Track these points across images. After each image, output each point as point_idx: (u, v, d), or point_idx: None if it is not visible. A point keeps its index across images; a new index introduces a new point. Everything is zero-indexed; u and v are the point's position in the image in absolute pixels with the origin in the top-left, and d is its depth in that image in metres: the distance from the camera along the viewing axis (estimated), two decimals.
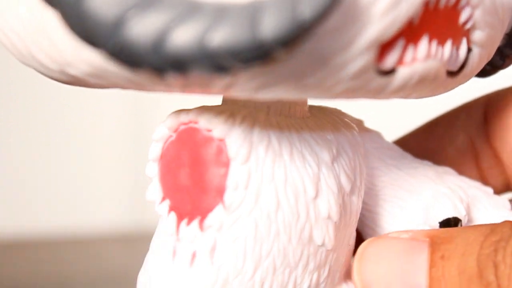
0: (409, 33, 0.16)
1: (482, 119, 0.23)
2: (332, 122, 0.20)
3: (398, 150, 0.22)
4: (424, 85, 0.17)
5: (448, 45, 0.17)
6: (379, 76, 0.16)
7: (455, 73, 0.18)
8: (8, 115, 0.59)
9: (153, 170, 0.19)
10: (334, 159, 0.20)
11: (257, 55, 0.14)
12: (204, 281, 0.19)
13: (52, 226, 0.58)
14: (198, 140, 0.18)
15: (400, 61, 0.17)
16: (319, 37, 0.15)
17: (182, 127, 0.19)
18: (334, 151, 0.20)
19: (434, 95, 0.18)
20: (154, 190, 0.19)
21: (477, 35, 0.18)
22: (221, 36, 0.14)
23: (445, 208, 0.21)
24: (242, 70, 0.14)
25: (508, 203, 0.23)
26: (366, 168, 0.21)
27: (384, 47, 0.16)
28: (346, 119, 0.21)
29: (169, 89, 0.16)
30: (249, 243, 0.19)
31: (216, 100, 0.19)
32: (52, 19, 0.16)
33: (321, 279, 0.20)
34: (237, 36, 0.13)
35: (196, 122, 0.19)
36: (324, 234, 0.19)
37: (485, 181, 0.23)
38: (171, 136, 0.19)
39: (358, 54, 0.16)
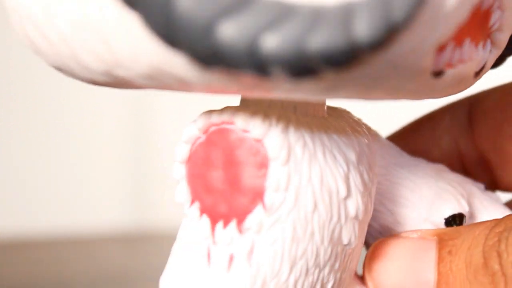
0: (457, 35, 0.17)
1: (466, 120, 0.23)
2: (347, 121, 0.20)
3: (396, 148, 0.22)
4: (460, 86, 0.18)
5: (480, 46, 0.18)
6: (432, 78, 0.17)
7: (478, 73, 0.18)
8: (7, 115, 0.59)
9: (180, 172, 0.19)
10: (358, 158, 0.20)
11: (350, 58, 0.14)
12: (242, 285, 0.18)
13: (52, 226, 0.58)
14: (233, 141, 0.18)
15: (449, 63, 0.17)
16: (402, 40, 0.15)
17: (213, 128, 0.18)
18: (358, 149, 0.20)
19: (455, 94, 0.19)
20: (182, 192, 0.19)
21: (498, 37, 0.18)
22: (317, 40, 0.13)
23: (450, 204, 0.21)
24: (331, 73, 0.14)
25: (500, 198, 0.23)
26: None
27: (439, 49, 0.16)
28: (354, 119, 0.21)
29: (240, 91, 0.16)
30: (286, 245, 0.18)
31: (229, 100, 0.19)
32: (117, 20, 0.15)
33: (343, 278, 0.20)
34: (333, 39, 0.13)
35: (230, 123, 0.18)
36: (351, 233, 0.19)
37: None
38: (199, 137, 0.19)
39: (423, 56, 0.16)
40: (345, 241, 0.19)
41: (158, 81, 0.16)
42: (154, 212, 0.60)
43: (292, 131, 0.18)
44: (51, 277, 0.49)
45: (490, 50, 0.18)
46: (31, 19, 0.17)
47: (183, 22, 0.14)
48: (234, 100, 0.19)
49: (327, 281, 0.19)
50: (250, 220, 0.18)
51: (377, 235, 0.22)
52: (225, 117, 0.18)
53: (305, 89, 0.16)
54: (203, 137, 0.19)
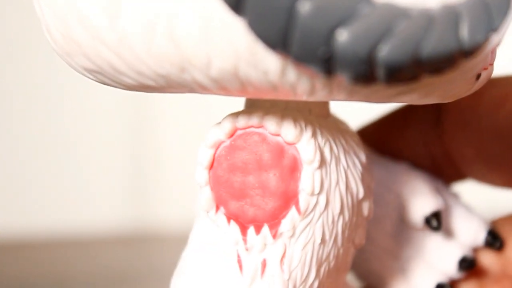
0: None
1: (436, 115, 0.23)
2: (343, 122, 0.20)
3: (366, 147, 0.22)
4: (479, 87, 0.18)
5: (495, 49, 0.18)
6: (475, 80, 0.17)
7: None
8: (7, 114, 0.59)
9: (204, 177, 0.18)
10: (367, 160, 0.20)
11: (452, 62, 0.14)
12: None
13: (52, 226, 0.58)
14: (263, 145, 0.18)
15: (485, 66, 0.17)
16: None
17: (239, 132, 0.18)
18: (364, 150, 0.20)
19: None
20: (207, 198, 0.18)
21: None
22: (431, 44, 0.13)
23: (427, 202, 0.22)
24: (429, 77, 0.14)
25: (458, 194, 0.23)
26: None
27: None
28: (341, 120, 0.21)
29: (325, 96, 0.16)
30: (316, 248, 0.18)
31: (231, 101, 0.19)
32: (201, 24, 0.15)
33: (345, 277, 0.20)
34: (444, 43, 0.13)
35: (259, 127, 0.18)
36: (362, 234, 0.20)
37: (439, 173, 0.24)
38: (223, 141, 0.18)
39: (484, 61, 0.16)
40: (357, 242, 0.19)
41: (219, 84, 0.16)
42: (155, 212, 0.60)
43: (319, 134, 0.18)
44: (51, 277, 0.49)
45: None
46: (83, 21, 0.16)
47: (302, 28, 0.14)
48: (236, 100, 0.19)
49: (339, 280, 0.20)
50: (285, 225, 0.18)
51: None
52: (253, 121, 0.18)
53: (378, 94, 0.16)
54: (227, 142, 0.18)
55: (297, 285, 0.18)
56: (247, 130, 0.18)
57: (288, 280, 0.18)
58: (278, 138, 0.18)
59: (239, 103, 0.20)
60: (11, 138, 0.59)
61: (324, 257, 0.19)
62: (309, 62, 0.14)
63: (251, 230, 0.18)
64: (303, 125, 0.18)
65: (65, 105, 0.59)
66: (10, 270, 0.50)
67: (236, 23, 0.15)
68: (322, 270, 0.19)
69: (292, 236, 0.18)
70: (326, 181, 0.18)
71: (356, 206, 0.19)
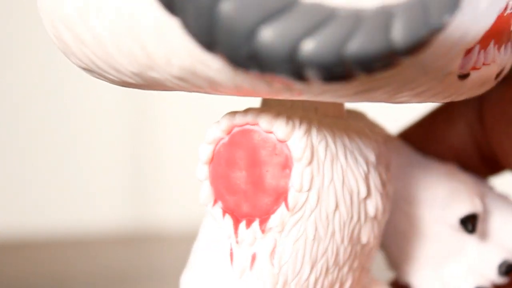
0: (482, 38, 0.17)
1: (479, 109, 0.23)
2: (364, 123, 0.21)
3: (408, 148, 0.23)
4: (482, 87, 0.18)
5: (502, 49, 0.18)
6: (458, 80, 0.17)
7: (498, 75, 0.19)
8: (7, 114, 0.59)
9: (204, 172, 0.19)
10: (377, 159, 0.20)
11: (386, 62, 0.14)
12: (265, 284, 0.19)
13: (52, 226, 0.58)
14: (257, 142, 0.18)
15: (474, 66, 0.17)
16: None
17: (237, 129, 0.19)
18: (377, 151, 0.20)
19: (478, 94, 0.19)
20: (206, 193, 0.19)
21: None
22: (356, 44, 0.14)
23: (464, 204, 0.22)
24: (365, 77, 0.14)
25: (509, 197, 0.23)
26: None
27: (467, 52, 0.17)
28: (370, 121, 0.21)
29: (269, 93, 0.16)
30: (308, 244, 0.19)
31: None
32: (154, 23, 0.16)
33: (360, 277, 0.20)
34: (373, 43, 0.14)
35: (254, 124, 0.19)
36: (369, 233, 0.20)
37: (487, 168, 0.24)
38: (222, 138, 0.19)
39: (453, 59, 0.16)
40: (364, 240, 0.20)
41: (189, 83, 0.17)
42: (155, 212, 0.60)
43: (314, 132, 0.19)
44: (51, 277, 0.49)
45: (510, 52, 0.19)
46: (65, 21, 0.17)
47: (225, 27, 0.14)
48: (240, 100, 0.19)
49: (346, 280, 0.20)
50: (273, 220, 0.18)
51: (391, 236, 0.22)
52: (248, 118, 0.19)
53: (336, 93, 0.16)
54: (226, 138, 0.19)
55: (289, 280, 0.19)
56: (244, 127, 0.19)
57: (278, 274, 0.19)
58: (271, 135, 0.18)
59: (239, 103, 0.20)
60: (11, 138, 0.59)
61: (320, 253, 0.19)
62: (238, 62, 0.14)
63: (242, 224, 0.19)
64: (297, 123, 0.18)
65: (65, 105, 0.59)
66: (10, 270, 0.50)
67: (170, 23, 0.15)
68: (318, 266, 0.19)
69: (281, 231, 0.18)
70: (318, 178, 0.18)
71: (357, 204, 0.19)
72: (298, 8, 0.14)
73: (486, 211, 0.22)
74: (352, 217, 0.19)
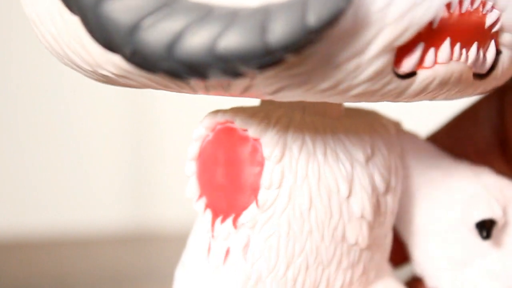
0: (429, 37, 0.17)
1: (501, 108, 0.23)
2: (367, 123, 0.21)
3: (434, 149, 0.22)
4: (448, 87, 0.18)
5: (474, 48, 0.17)
6: (398, 79, 0.17)
7: (484, 76, 0.18)
8: (7, 114, 0.59)
9: (191, 168, 0.20)
10: (368, 159, 0.20)
11: (267, 60, 0.14)
12: (237, 278, 0.19)
13: (52, 226, 0.58)
14: (234, 139, 0.19)
15: (420, 64, 0.17)
16: (330, 42, 0.15)
17: (219, 126, 0.19)
18: (369, 151, 0.20)
19: (464, 96, 0.19)
20: (192, 188, 0.20)
21: (506, 38, 0.18)
22: (230, 41, 0.14)
23: (481, 208, 0.21)
24: (255, 74, 0.14)
25: None
26: (403, 169, 0.21)
27: (402, 51, 0.16)
28: (382, 121, 0.21)
29: (193, 91, 0.17)
30: (282, 241, 0.19)
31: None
32: (77, 23, 0.16)
33: (355, 277, 0.20)
34: (246, 41, 0.14)
35: (232, 122, 0.19)
36: (357, 233, 0.20)
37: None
38: (208, 135, 0.19)
39: (373, 59, 0.16)
40: (351, 240, 0.19)
41: (134, 80, 0.17)
42: (155, 212, 0.60)
43: (291, 131, 0.19)
44: (51, 277, 0.49)
45: (499, 52, 0.18)
46: (35, 24, 0.18)
47: (112, 24, 0.14)
48: (238, 100, 0.19)
49: (335, 279, 0.20)
50: (245, 216, 0.19)
51: (412, 235, 0.22)
52: (228, 116, 0.19)
53: (220, 88, 0.16)
54: (210, 135, 0.19)
55: (263, 276, 0.19)
56: (225, 125, 0.19)
57: (251, 269, 0.19)
58: (247, 133, 0.19)
59: (239, 103, 0.20)
60: (11, 138, 0.59)
61: (297, 251, 0.19)
62: (131, 61, 0.15)
63: (218, 219, 0.19)
64: (272, 121, 0.19)
65: (65, 105, 0.59)
66: (10, 270, 0.50)
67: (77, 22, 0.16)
68: (296, 263, 0.19)
69: (253, 227, 0.19)
70: (290, 176, 0.19)
71: (337, 203, 0.19)
72: (177, 6, 0.14)
73: (508, 219, 0.22)
74: (331, 216, 0.19)
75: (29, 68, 0.58)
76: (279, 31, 0.14)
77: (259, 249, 0.19)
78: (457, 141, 0.24)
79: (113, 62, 0.16)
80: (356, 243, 0.20)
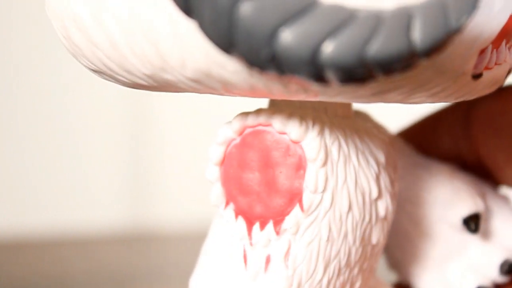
0: (495, 39, 0.17)
1: (465, 123, 0.23)
2: (371, 124, 0.21)
3: (410, 148, 0.22)
4: (493, 86, 0.18)
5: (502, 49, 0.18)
6: (471, 80, 0.17)
7: (507, 74, 0.19)
8: (7, 114, 0.59)
9: (215, 174, 0.19)
10: (386, 160, 0.20)
11: (407, 63, 0.14)
12: (279, 286, 0.18)
13: (52, 226, 0.58)
14: (270, 143, 0.18)
15: (487, 66, 0.17)
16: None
17: (248, 130, 0.19)
18: (385, 151, 0.20)
19: (488, 93, 0.19)
20: (217, 194, 0.19)
21: None
22: (378, 45, 0.14)
23: (466, 203, 0.22)
24: (383, 79, 0.14)
25: (510, 198, 0.23)
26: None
27: (481, 52, 0.17)
28: (373, 122, 0.21)
29: (284, 95, 0.16)
30: (322, 245, 0.19)
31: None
32: (170, 25, 0.16)
33: (368, 277, 0.20)
34: (392, 46, 0.14)
35: (267, 125, 0.18)
36: (379, 233, 0.20)
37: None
38: (234, 139, 0.19)
39: (469, 60, 0.16)
40: (374, 241, 0.20)
41: (203, 84, 0.17)
42: (155, 212, 0.60)
43: (327, 133, 0.19)
44: (51, 277, 0.49)
45: None
46: (78, 23, 0.17)
47: (244, 29, 0.14)
48: (242, 101, 0.19)
49: (356, 281, 0.20)
50: (288, 221, 0.18)
51: (393, 236, 0.22)
52: (261, 119, 0.18)
53: (352, 94, 0.16)
54: (238, 139, 0.19)
55: (303, 281, 0.19)
56: (256, 128, 0.18)
57: (292, 276, 0.18)
58: (284, 136, 0.18)
59: (240, 104, 0.20)
60: (11, 138, 0.59)
61: (333, 254, 0.19)
62: (257, 64, 0.14)
63: (256, 226, 0.18)
64: (310, 123, 0.18)
65: (65, 105, 0.59)
66: (10, 270, 0.50)
67: (186, 25, 0.15)
68: (331, 267, 0.19)
69: (296, 233, 0.18)
70: (332, 179, 0.18)
71: (369, 205, 0.19)
72: (318, 10, 0.14)
73: (487, 210, 0.22)
74: (364, 218, 0.19)
75: (29, 69, 0.58)
76: (423, 33, 0.13)
77: (301, 254, 0.18)
78: (421, 144, 0.24)
79: (221, 64, 0.16)
80: (377, 244, 0.20)
